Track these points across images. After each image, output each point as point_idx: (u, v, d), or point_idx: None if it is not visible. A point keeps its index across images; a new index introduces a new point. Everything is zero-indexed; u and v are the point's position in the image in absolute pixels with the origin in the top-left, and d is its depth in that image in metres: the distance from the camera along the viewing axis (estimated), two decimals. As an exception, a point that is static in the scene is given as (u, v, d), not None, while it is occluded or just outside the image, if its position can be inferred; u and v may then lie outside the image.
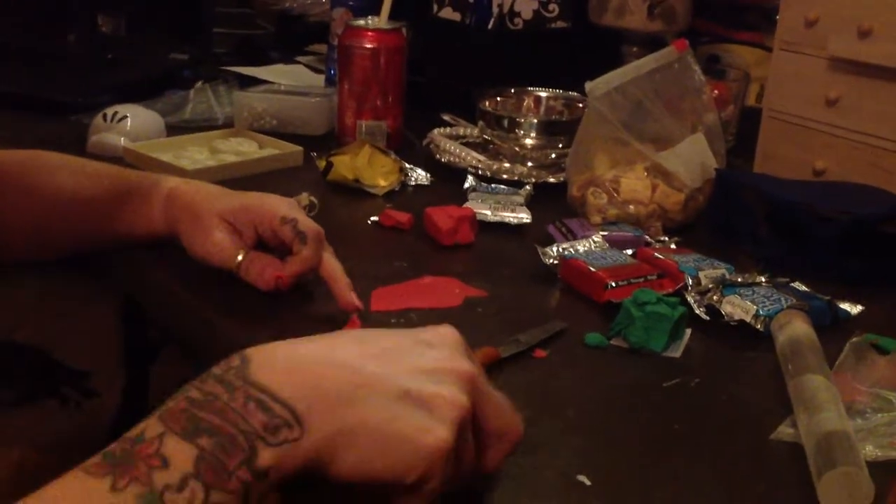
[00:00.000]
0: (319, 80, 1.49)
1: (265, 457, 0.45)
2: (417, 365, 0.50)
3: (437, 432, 0.48)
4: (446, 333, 0.54)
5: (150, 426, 0.46)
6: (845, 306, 0.83)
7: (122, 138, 1.11)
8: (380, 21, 1.18)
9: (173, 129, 1.21)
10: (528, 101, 1.26)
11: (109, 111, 1.14)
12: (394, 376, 0.49)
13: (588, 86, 1.02)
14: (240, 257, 0.81)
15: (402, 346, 0.52)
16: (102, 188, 0.87)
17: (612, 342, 0.77)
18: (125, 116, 1.13)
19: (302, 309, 0.81)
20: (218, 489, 0.44)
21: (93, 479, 0.44)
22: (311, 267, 0.80)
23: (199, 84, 1.39)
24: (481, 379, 0.53)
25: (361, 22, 1.19)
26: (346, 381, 0.48)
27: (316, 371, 0.48)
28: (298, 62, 1.60)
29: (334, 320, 0.78)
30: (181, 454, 0.44)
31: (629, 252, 0.91)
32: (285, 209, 0.81)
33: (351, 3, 1.37)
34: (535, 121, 1.18)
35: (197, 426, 0.45)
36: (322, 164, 1.08)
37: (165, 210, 0.85)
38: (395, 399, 0.48)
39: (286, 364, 0.48)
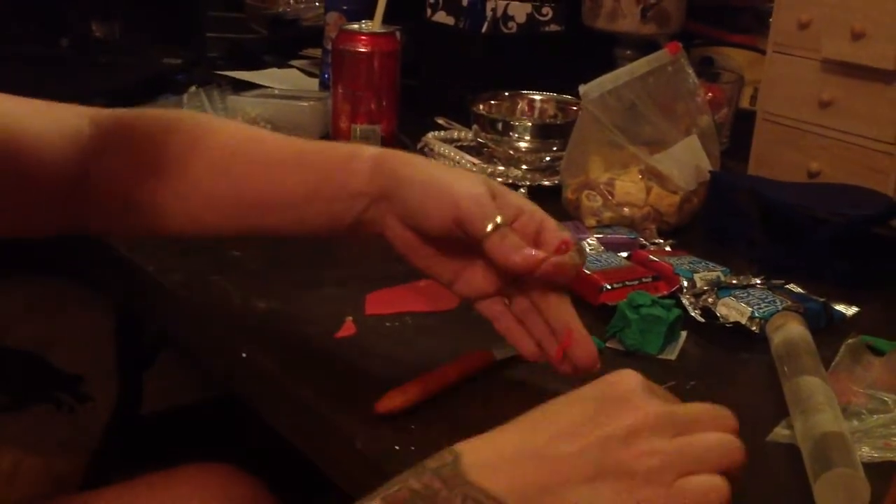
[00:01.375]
0: (313, 84, 1.48)
1: None
2: (608, 432, 0.50)
3: (643, 493, 0.49)
4: (625, 381, 0.53)
5: None
6: (840, 308, 0.83)
7: (116, 143, 1.10)
8: (373, 25, 1.18)
9: (167, 134, 1.20)
10: (521, 105, 1.26)
11: (103, 116, 1.13)
12: (587, 454, 0.50)
13: (582, 89, 1.02)
14: (499, 219, 0.64)
15: (587, 415, 0.52)
16: (266, 151, 0.74)
17: (607, 345, 0.77)
18: (119, 121, 1.12)
19: (296, 314, 0.81)
20: None
21: None
22: (576, 265, 0.66)
23: (192, 89, 1.38)
24: (679, 411, 0.52)
25: (355, 26, 1.19)
26: (547, 473, 0.50)
27: (520, 467, 0.50)
28: (292, 66, 1.59)
29: (329, 323, 0.78)
30: None
31: (624, 255, 0.91)
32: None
33: (345, 7, 1.37)
34: (530, 124, 1.18)
35: None
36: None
37: (373, 174, 0.69)
38: (593, 478, 0.49)
39: (494, 462, 0.51)
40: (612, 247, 0.92)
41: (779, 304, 0.80)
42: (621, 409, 0.51)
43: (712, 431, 0.52)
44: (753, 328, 0.79)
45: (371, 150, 0.71)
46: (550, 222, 0.67)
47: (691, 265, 0.87)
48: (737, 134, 1.26)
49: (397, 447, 0.62)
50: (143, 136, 0.74)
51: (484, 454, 0.51)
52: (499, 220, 0.64)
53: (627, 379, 0.53)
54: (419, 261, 0.70)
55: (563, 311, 0.66)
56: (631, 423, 0.51)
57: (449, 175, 0.67)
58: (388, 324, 0.79)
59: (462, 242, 0.66)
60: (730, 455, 0.51)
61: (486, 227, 0.64)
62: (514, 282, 0.67)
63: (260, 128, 0.84)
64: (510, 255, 0.63)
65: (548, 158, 1.16)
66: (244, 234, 0.74)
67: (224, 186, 0.72)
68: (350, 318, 0.79)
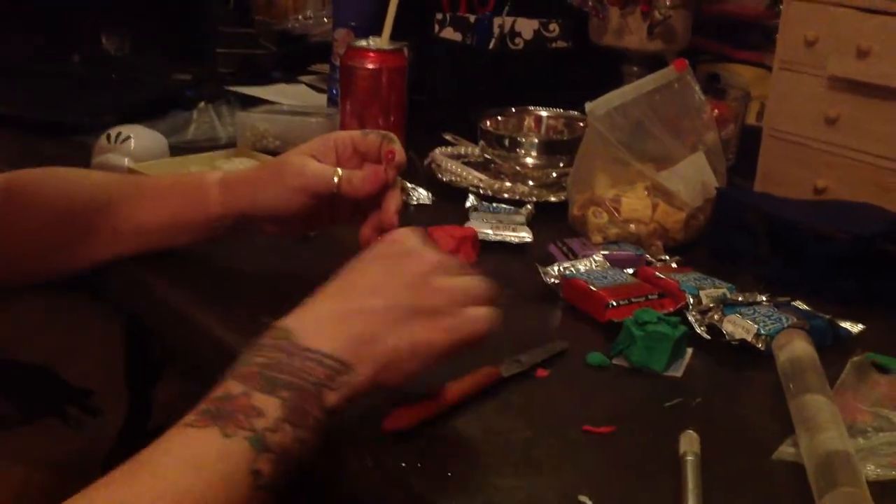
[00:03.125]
0: (322, 99, 1.49)
1: (331, 398, 0.59)
2: (405, 281, 0.63)
3: (444, 322, 0.62)
4: (405, 238, 0.67)
5: (232, 386, 0.57)
6: (846, 325, 0.84)
7: (126, 159, 1.11)
8: (381, 41, 1.18)
9: (176, 150, 1.21)
10: (528, 121, 1.26)
11: (113, 132, 1.14)
12: (393, 302, 0.62)
13: (588, 106, 1.02)
14: (340, 172, 0.83)
15: (384, 271, 0.64)
16: (138, 186, 0.89)
17: (613, 362, 0.77)
18: (129, 137, 1.13)
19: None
20: (301, 427, 0.57)
21: (202, 430, 0.55)
22: (405, 160, 0.84)
23: (201, 104, 1.39)
24: (447, 258, 0.67)
25: (363, 42, 1.19)
26: (365, 324, 0.61)
27: (341, 325, 0.61)
28: (301, 82, 1.60)
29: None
30: (270, 404, 0.57)
31: (630, 271, 0.91)
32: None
33: (353, 23, 1.38)
34: (536, 140, 1.18)
35: (274, 382, 0.57)
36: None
37: (223, 190, 0.86)
38: (406, 319, 0.62)
39: (318, 326, 0.61)
40: (618, 263, 0.92)
41: (784, 321, 0.80)
42: (409, 260, 0.65)
43: (470, 274, 0.67)
44: (759, 345, 0.79)
45: (214, 176, 0.87)
46: (356, 134, 0.86)
47: (697, 282, 0.88)
48: (743, 150, 1.26)
49: (404, 465, 0.62)
50: (43, 197, 0.87)
51: (308, 322, 0.61)
52: (339, 171, 0.83)
53: (407, 235, 0.67)
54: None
55: (394, 199, 0.84)
56: (420, 270, 0.64)
57: (283, 168, 0.84)
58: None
59: (320, 204, 0.84)
60: (490, 289, 0.66)
61: (333, 183, 0.82)
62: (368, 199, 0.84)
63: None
64: (365, 188, 0.82)
65: (554, 175, 1.16)
66: (125, 257, 0.88)
67: (108, 225, 0.87)
68: (357, 334, 0.79)
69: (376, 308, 0.62)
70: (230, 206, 0.85)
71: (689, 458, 0.62)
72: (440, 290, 0.64)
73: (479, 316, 0.64)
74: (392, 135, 0.86)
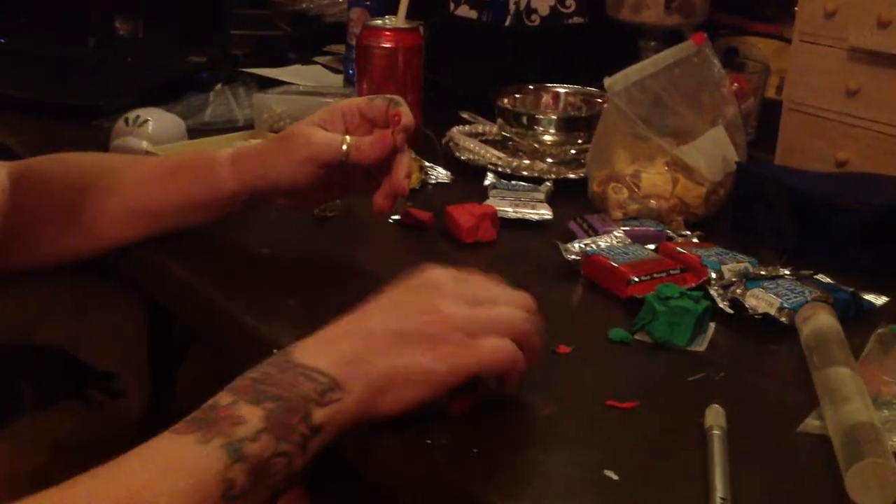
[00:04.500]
0: (338, 80, 1.49)
1: (318, 415, 0.57)
2: (408, 307, 0.63)
3: (445, 351, 0.61)
4: (428, 271, 0.65)
5: (223, 397, 0.57)
6: (869, 297, 0.83)
7: (145, 142, 1.11)
8: (397, 20, 1.18)
9: (194, 132, 1.21)
10: (546, 98, 1.26)
11: (131, 115, 1.14)
12: (391, 325, 0.61)
13: (607, 81, 1.01)
14: (348, 139, 0.83)
15: (399, 298, 0.64)
16: (149, 167, 0.90)
17: (635, 337, 0.77)
18: (147, 120, 1.13)
19: (328, 310, 0.81)
20: (284, 440, 0.55)
21: (181, 437, 0.54)
22: (412, 122, 0.84)
23: (218, 86, 1.40)
24: (479, 292, 0.65)
25: (379, 21, 1.19)
26: (360, 345, 0.60)
27: (337, 344, 0.61)
28: (316, 62, 1.60)
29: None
30: (253, 415, 0.55)
31: (651, 247, 0.91)
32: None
33: (368, 2, 1.37)
34: (554, 117, 1.18)
35: (262, 394, 0.56)
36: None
37: (234, 166, 0.86)
38: (402, 343, 0.61)
39: (317, 346, 0.61)
40: (639, 239, 0.92)
41: (807, 294, 0.80)
42: (426, 289, 0.64)
43: (505, 306, 0.64)
44: (783, 319, 0.79)
45: (224, 153, 0.87)
46: (362, 100, 0.85)
47: (719, 256, 0.87)
48: (763, 124, 1.25)
49: (429, 441, 0.62)
50: (55, 182, 0.87)
51: (309, 342, 0.61)
52: (347, 139, 0.83)
53: (435, 268, 0.65)
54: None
55: (403, 164, 0.84)
56: (428, 298, 0.63)
57: (291, 139, 0.84)
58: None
59: (331, 173, 0.84)
60: (514, 324, 0.64)
61: (341, 150, 0.82)
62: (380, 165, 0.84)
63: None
64: (373, 153, 0.82)
65: (573, 151, 1.16)
66: (141, 239, 0.89)
67: (121, 208, 0.87)
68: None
69: (373, 330, 0.61)
70: (242, 182, 0.85)
71: (716, 432, 0.62)
72: (448, 318, 0.62)
73: (488, 346, 0.62)
74: (398, 98, 0.85)
